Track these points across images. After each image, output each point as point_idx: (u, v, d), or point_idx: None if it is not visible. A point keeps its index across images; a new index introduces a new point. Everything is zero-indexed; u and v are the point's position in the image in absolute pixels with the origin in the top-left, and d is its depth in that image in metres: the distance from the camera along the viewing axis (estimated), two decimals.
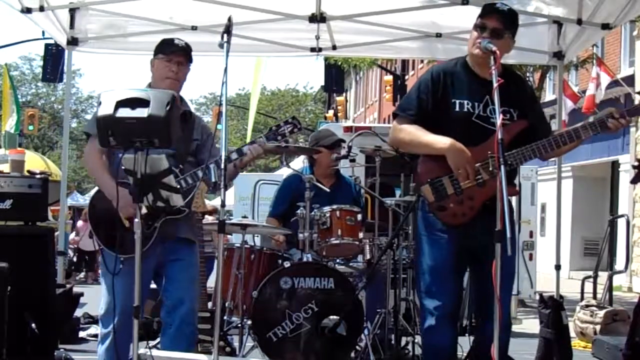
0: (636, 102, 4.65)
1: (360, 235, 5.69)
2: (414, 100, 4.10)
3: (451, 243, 4.05)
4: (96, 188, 4.60)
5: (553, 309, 6.20)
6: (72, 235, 18.61)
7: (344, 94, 37.86)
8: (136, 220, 3.79)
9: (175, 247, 4.32)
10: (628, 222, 11.37)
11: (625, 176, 18.29)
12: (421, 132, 4.04)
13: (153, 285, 4.57)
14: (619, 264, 13.25)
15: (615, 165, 19.78)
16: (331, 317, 5.17)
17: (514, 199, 11.15)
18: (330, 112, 36.62)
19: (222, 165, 3.84)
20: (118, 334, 4.30)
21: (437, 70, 4.12)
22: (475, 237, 4.01)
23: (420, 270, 4.14)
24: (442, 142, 3.97)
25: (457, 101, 4.04)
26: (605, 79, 15.71)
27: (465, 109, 4.03)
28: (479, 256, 4.05)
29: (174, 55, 4.43)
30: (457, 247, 4.05)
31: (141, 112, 3.69)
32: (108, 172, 4.33)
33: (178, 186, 4.10)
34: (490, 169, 3.86)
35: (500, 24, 4.05)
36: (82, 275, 19.55)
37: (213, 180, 4.23)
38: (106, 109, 3.73)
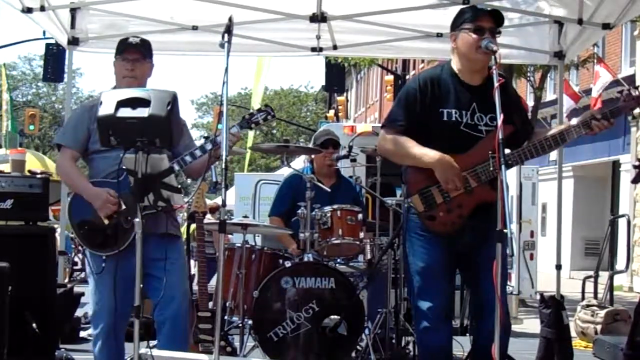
0: (620, 103, 4.62)
1: (361, 235, 5.69)
2: (401, 110, 4.09)
3: (441, 243, 4.06)
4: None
5: (554, 309, 6.20)
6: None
7: (345, 94, 37.84)
8: (137, 220, 3.79)
9: (159, 245, 4.26)
10: (629, 222, 11.36)
11: (626, 176, 18.29)
12: (409, 144, 4.04)
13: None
14: (620, 263, 13.24)
15: (616, 165, 19.78)
16: (332, 316, 5.17)
17: (514, 199, 11.18)
18: (331, 112, 36.61)
19: (224, 166, 3.84)
20: (109, 333, 4.31)
21: (424, 79, 4.09)
22: (464, 239, 4.03)
23: (412, 272, 4.13)
24: (429, 155, 3.97)
25: (445, 111, 4.03)
26: (605, 75, 15.70)
27: (453, 118, 4.02)
28: (468, 257, 4.07)
29: (127, 53, 4.44)
30: (447, 247, 4.06)
31: (142, 112, 3.69)
32: (82, 176, 4.38)
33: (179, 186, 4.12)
34: (491, 168, 3.85)
35: (492, 23, 4.04)
36: (82, 274, 19.56)
37: (214, 180, 4.23)
38: (107, 109, 3.73)
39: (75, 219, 4.42)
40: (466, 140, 4.00)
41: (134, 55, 4.43)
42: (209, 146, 4.30)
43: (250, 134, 22.82)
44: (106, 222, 4.22)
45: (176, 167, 4.29)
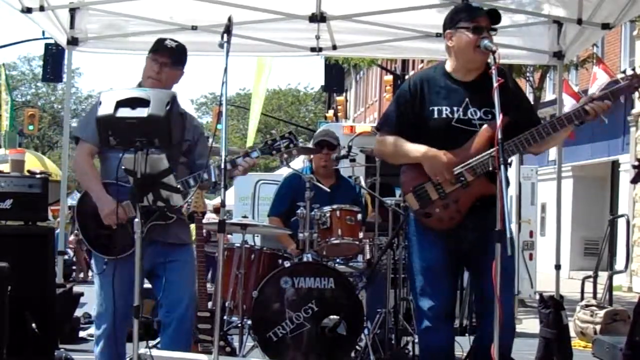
0: (622, 83, 4.47)
1: (360, 235, 5.69)
2: (393, 112, 4.13)
3: (443, 242, 4.05)
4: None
5: (553, 309, 6.21)
6: (71, 237, 18.60)
7: (344, 94, 37.85)
8: (136, 220, 3.79)
9: (168, 249, 4.29)
10: (628, 222, 11.36)
11: (625, 176, 18.28)
12: (400, 143, 4.07)
13: (147, 285, 4.55)
14: (619, 263, 13.24)
15: (615, 165, 19.77)
16: (331, 317, 5.17)
17: (513, 199, 11.20)
18: (331, 112, 36.61)
19: (223, 165, 3.84)
20: (111, 335, 4.31)
21: (415, 80, 4.12)
22: (466, 238, 4.02)
23: (413, 271, 4.13)
24: (417, 150, 4.00)
25: (435, 108, 4.03)
26: (602, 76, 15.67)
27: (444, 115, 4.02)
28: (473, 256, 4.06)
29: (158, 55, 4.37)
30: (449, 247, 4.05)
31: (141, 112, 3.69)
32: (97, 177, 4.34)
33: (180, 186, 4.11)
34: (490, 168, 3.85)
35: (490, 21, 4.03)
36: (82, 275, 19.57)
37: (213, 180, 4.22)
38: (106, 109, 3.73)
39: (82, 218, 4.41)
40: (460, 136, 4.00)
41: (163, 59, 4.36)
42: (227, 166, 4.23)
43: (250, 134, 22.76)
44: (113, 226, 4.21)
45: (192, 182, 4.28)
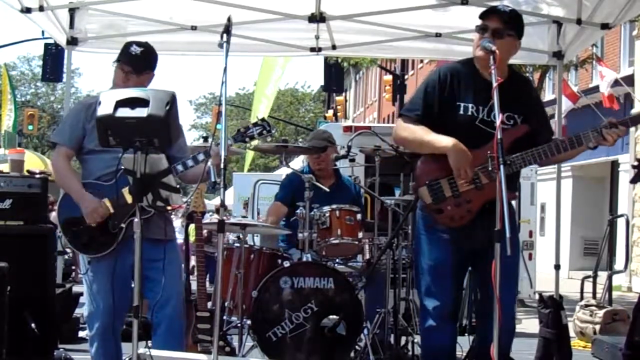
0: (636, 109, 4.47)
1: (360, 235, 5.69)
2: (420, 100, 4.09)
3: (451, 242, 4.05)
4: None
5: (553, 309, 6.21)
6: None
7: (344, 94, 37.87)
8: (136, 220, 3.79)
9: (153, 247, 4.25)
10: (627, 222, 11.37)
11: (624, 176, 18.29)
12: (424, 131, 4.03)
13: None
14: (619, 263, 13.24)
15: (614, 164, 19.77)
16: (331, 316, 5.17)
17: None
18: (330, 112, 36.65)
19: (222, 166, 3.85)
20: (105, 334, 4.32)
21: (445, 71, 4.10)
22: (475, 238, 4.01)
23: (420, 270, 4.14)
24: (445, 141, 3.96)
25: (462, 104, 4.03)
26: (609, 73, 15.71)
27: (470, 113, 4.02)
28: (479, 257, 4.05)
29: (123, 64, 4.42)
30: (456, 247, 4.05)
31: (141, 112, 3.69)
32: (76, 178, 4.37)
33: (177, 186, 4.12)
34: (490, 168, 3.84)
35: (500, 23, 4.03)
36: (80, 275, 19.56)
37: (213, 180, 4.22)
38: (106, 109, 3.73)
39: (62, 219, 4.42)
40: (481, 136, 3.97)
41: (128, 68, 4.41)
42: (201, 157, 4.27)
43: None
44: (93, 225, 4.23)
45: (180, 168, 4.28)
